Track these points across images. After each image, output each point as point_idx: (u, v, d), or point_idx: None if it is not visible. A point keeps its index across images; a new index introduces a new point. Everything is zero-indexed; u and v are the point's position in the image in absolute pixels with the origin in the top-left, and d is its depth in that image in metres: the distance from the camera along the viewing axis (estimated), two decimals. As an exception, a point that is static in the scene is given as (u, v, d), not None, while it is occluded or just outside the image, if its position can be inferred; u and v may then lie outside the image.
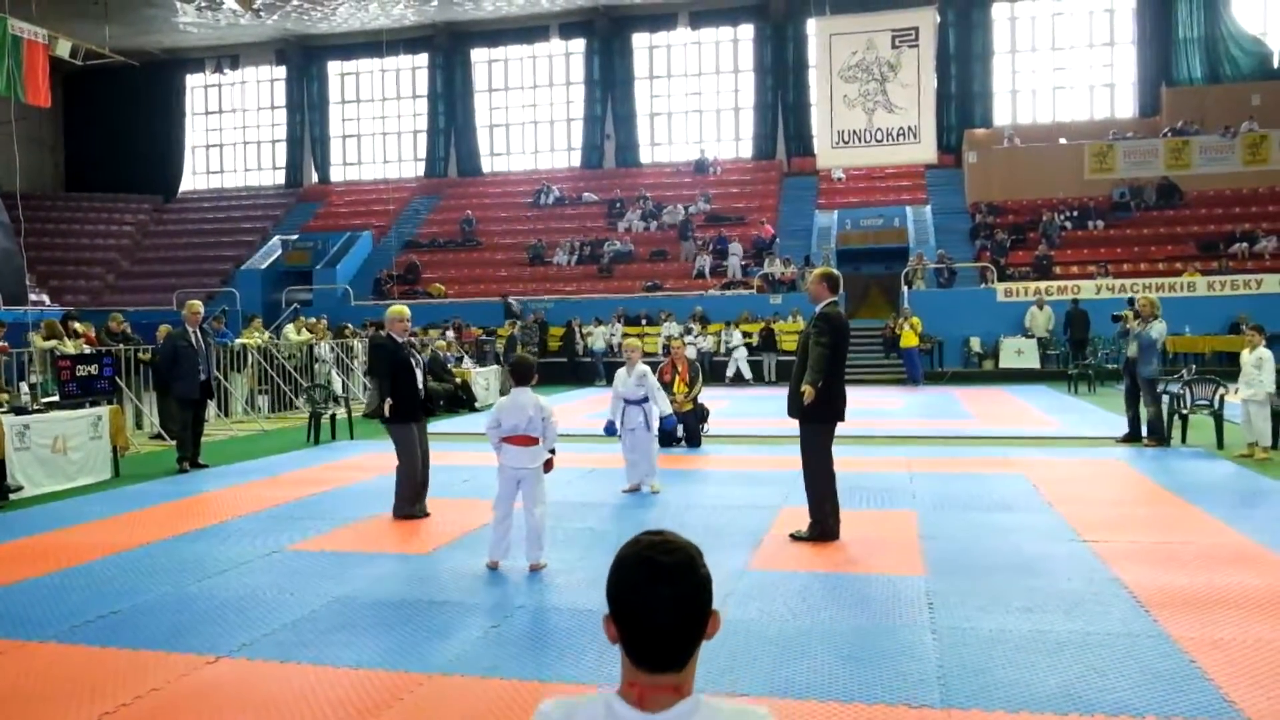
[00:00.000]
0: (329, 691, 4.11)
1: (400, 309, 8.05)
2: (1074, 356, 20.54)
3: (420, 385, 7.71)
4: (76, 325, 14.11)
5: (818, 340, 6.49)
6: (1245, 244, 23.23)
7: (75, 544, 6.94)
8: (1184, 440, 10.94)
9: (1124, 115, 29.23)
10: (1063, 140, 27.91)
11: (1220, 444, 10.41)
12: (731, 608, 5.19)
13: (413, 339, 8.60)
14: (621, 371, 9.03)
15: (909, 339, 20.78)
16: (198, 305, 11.13)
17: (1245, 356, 10.14)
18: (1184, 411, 11.09)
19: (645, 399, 8.82)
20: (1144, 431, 11.08)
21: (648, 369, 9.06)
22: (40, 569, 6.20)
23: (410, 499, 7.66)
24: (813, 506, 6.72)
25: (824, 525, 6.64)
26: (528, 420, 6.04)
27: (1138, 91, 29.18)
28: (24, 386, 10.21)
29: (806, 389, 6.42)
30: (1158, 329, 10.81)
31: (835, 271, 6.95)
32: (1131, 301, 11.30)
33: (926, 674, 4.22)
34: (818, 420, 6.62)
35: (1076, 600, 5.22)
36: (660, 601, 1.65)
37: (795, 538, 6.68)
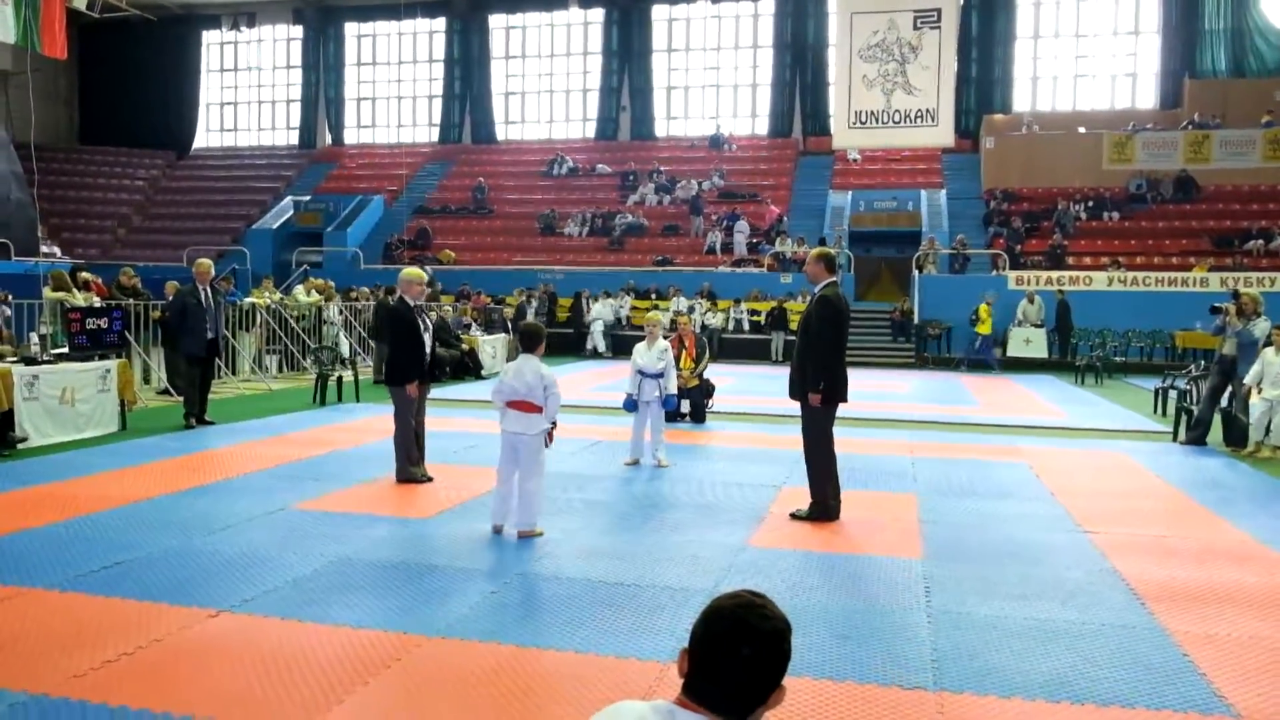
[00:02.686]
0: (328, 649, 4.16)
1: (416, 271, 7.99)
2: (1062, 348, 20.51)
3: (428, 350, 7.68)
4: (86, 275, 14.15)
5: (820, 331, 6.48)
6: (1261, 241, 23.08)
7: (81, 495, 7.00)
8: (1189, 436, 10.91)
9: (1145, 106, 28.96)
10: (1081, 129, 27.68)
11: (1227, 440, 10.38)
12: (729, 583, 5.22)
13: (433, 302, 8.63)
14: (641, 345, 9.02)
15: (984, 326, 20.40)
16: (208, 263, 11.15)
17: (1271, 356, 9.91)
18: (1190, 407, 11.05)
19: (662, 374, 8.88)
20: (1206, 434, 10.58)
21: (668, 344, 9.11)
22: (45, 518, 6.26)
23: (411, 460, 7.70)
24: (813, 487, 6.76)
25: (824, 505, 6.66)
26: (528, 387, 6.02)
27: (1160, 82, 28.90)
28: (34, 337, 10.24)
29: (813, 395, 6.52)
30: (1261, 328, 10.15)
31: (832, 251, 6.94)
32: (1236, 295, 10.52)
33: (920, 656, 4.25)
34: (827, 400, 6.64)
35: (1073, 590, 5.24)
36: (738, 660, 1.74)
37: (795, 516, 6.71)
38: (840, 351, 6.62)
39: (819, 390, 6.51)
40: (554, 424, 6.15)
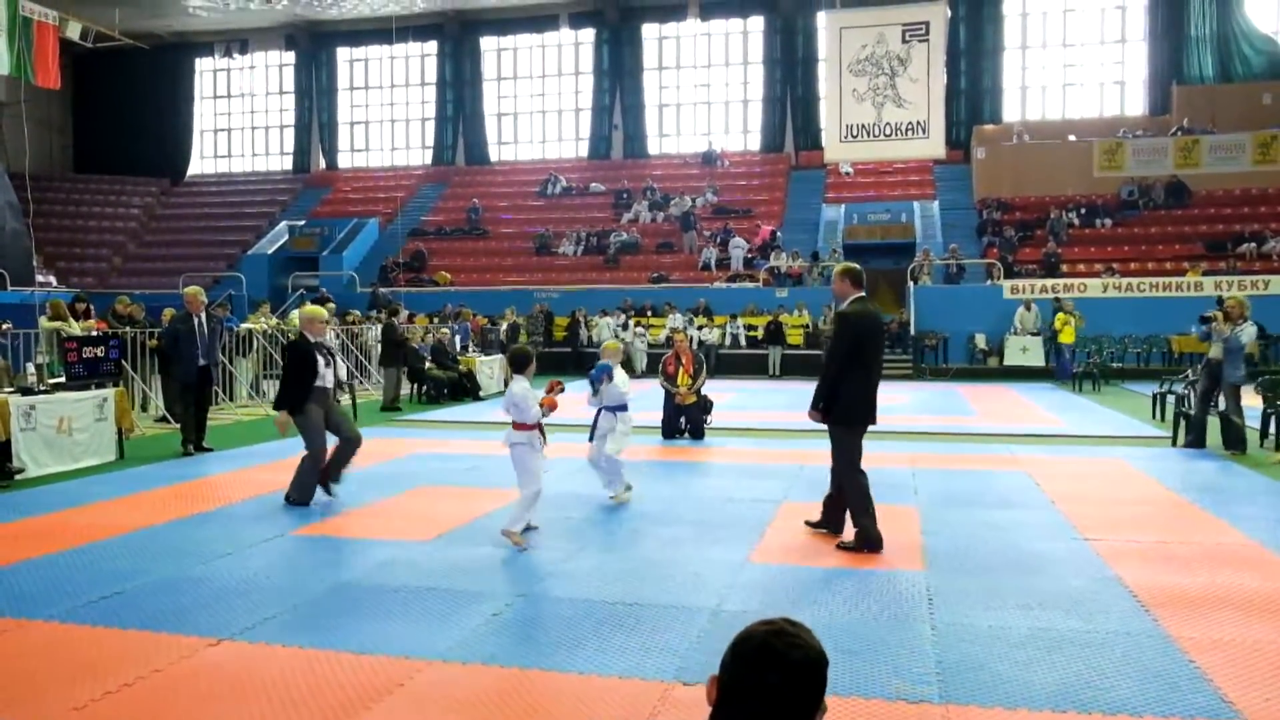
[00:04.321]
0: (331, 676, 4.13)
1: (318, 310, 8.55)
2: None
3: (328, 380, 8.06)
4: (90, 308, 14.15)
5: (830, 347, 6.33)
6: (1253, 244, 23.17)
7: (79, 525, 6.97)
8: (1187, 440, 10.91)
9: (1134, 113, 29.14)
10: (1072, 137, 27.83)
11: (1226, 444, 10.38)
12: (732, 600, 5.21)
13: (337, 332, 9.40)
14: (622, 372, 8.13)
15: (1068, 335, 19.62)
16: (196, 290, 11.13)
17: None
18: (1188, 411, 11.05)
19: (624, 406, 7.89)
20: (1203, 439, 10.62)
21: (624, 374, 8.05)
22: (43, 549, 6.23)
23: (309, 486, 7.82)
24: (853, 517, 6.39)
25: (867, 534, 6.28)
26: (513, 407, 6.35)
27: (1148, 89, 29.10)
28: (30, 367, 10.22)
29: (812, 414, 6.41)
30: (1248, 332, 10.30)
31: (856, 266, 6.60)
32: (1220, 301, 10.72)
33: (925, 669, 4.23)
34: (842, 423, 6.37)
35: (1076, 598, 5.22)
36: (765, 688, 1.66)
37: (842, 548, 6.31)
38: (849, 369, 6.24)
39: (817, 408, 6.34)
40: (537, 425, 6.33)
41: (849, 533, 6.42)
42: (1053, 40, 30.16)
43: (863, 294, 6.40)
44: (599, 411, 7.74)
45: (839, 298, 6.49)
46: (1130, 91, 29.72)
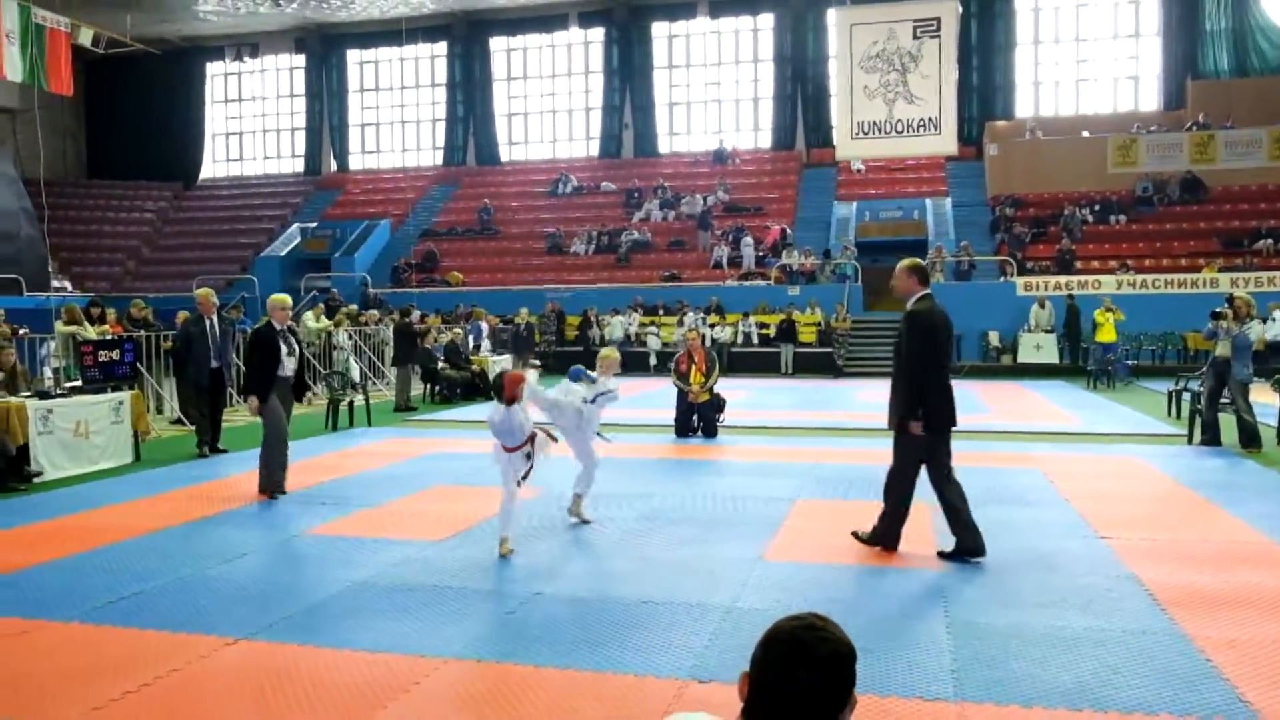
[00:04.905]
0: (346, 674, 4.16)
1: (281, 298, 8.51)
2: (1071, 353, 20.40)
3: (289, 370, 8.26)
4: (105, 312, 14.25)
5: (911, 349, 5.88)
6: (1270, 240, 22.98)
7: (97, 527, 7.03)
8: (1203, 438, 10.84)
9: (1148, 108, 28.93)
10: (1085, 133, 27.67)
11: (1242, 442, 10.32)
12: (746, 598, 5.21)
13: (293, 322, 9.78)
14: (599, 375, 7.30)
15: (1107, 333, 18.62)
16: (207, 292, 11.18)
17: None
18: (1202, 409, 10.98)
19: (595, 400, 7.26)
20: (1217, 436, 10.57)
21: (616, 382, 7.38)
22: (62, 551, 6.28)
23: (274, 469, 8.07)
24: (886, 504, 6.22)
25: (888, 531, 6.16)
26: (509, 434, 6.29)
27: (1163, 84, 28.88)
28: (47, 371, 10.31)
29: (913, 424, 5.89)
30: (1256, 330, 10.28)
31: (922, 261, 6.24)
32: (1230, 299, 10.64)
33: (940, 667, 4.22)
34: (927, 429, 5.93)
35: (1092, 597, 5.21)
36: (794, 684, 1.67)
37: (856, 536, 6.29)
38: (934, 371, 5.91)
39: (918, 417, 5.86)
40: (521, 445, 6.27)
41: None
42: (1066, 35, 29.98)
43: (929, 291, 6.07)
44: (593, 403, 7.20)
45: (903, 295, 6.10)
46: (1145, 86, 29.52)
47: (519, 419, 6.23)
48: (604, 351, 7.62)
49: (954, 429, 6.06)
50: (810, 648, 1.68)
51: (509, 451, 6.28)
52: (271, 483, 8.10)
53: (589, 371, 7.31)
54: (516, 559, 6.06)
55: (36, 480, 8.78)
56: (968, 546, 5.94)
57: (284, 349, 8.20)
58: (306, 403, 11.52)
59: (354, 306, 21.44)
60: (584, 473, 7.16)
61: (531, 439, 6.31)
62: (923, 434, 5.88)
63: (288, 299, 8.63)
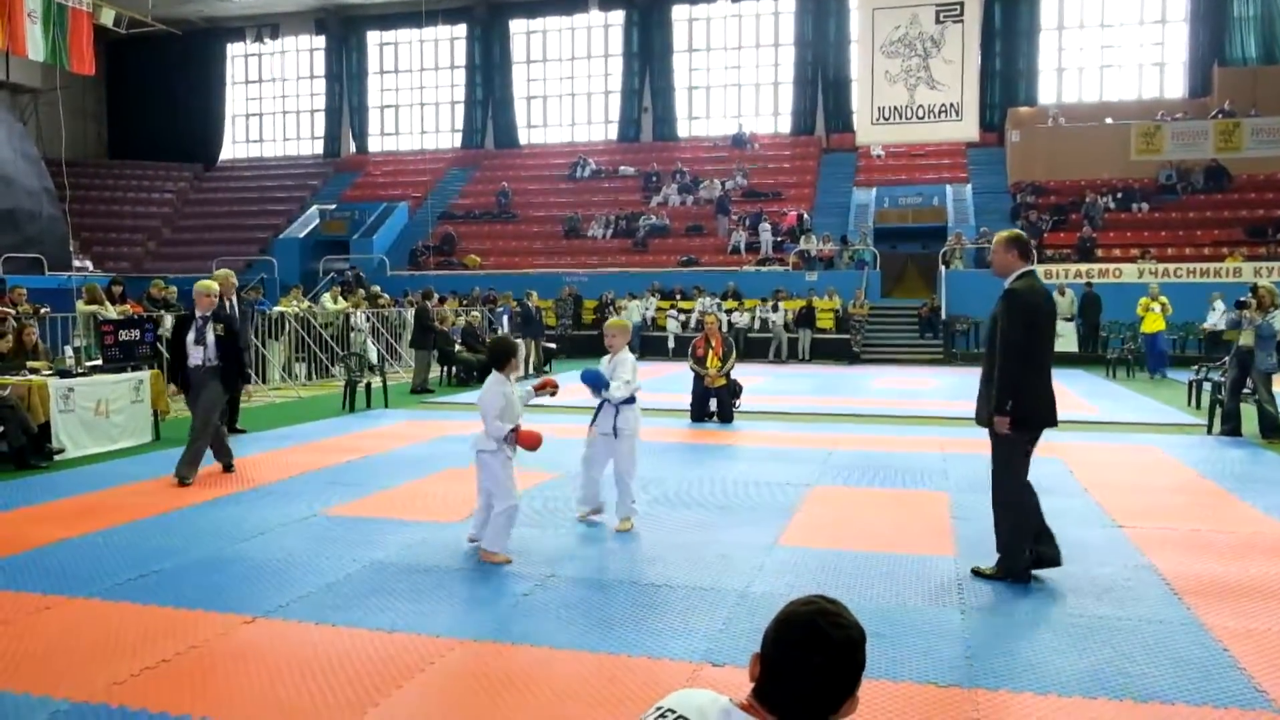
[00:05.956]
0: (362, 653, 4.19)
1: (205, 283, 8.15)
2: (1090, 341, 20.22)
3: (197, 359, 7.84)
4: (125, 292, 14.36)
5: (1008, 335, 5.07)
6: (1295, 229, 22.73)
7: (117, 505, 7.09)
8: (1223, 428, 10.76)
9: (1173, 95, 28.61)
10: (1109, 120, 27.40)
11: (1262, 433, 10.23)
12: (760, 582, 5.21)
13: (231, 301, 9.66)
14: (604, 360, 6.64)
15: (1154, 322, 17.79)
16: (226, 273, 11.22)
17: None
18: (1224, 399, 10.89)
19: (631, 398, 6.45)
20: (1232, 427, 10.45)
21: (632, 358, 6.53)
22: (83, 528, 6.35)
23: (191, 460, 7.83)
24: (1000, 537, 5.32)
25: (1012, 561, 5.24)
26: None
27: (1188, 71, 28.53)
28: (68, 350, 10.39)
29: (999, 420, 5.10)
30: (1279, 320, 10.12)
31: (1023, 234, 5.41)
32: (1255, 288, 10.53)
33: (955, 654, 4.22)
34: (1021, 425, 5.14)
35: (1109, 585, 5.18)
36: (810, 667, 1.71)
37: (977, 573, 5.32)
38: (1033, 359, 5.12)
39: (1006, 412, 5.08)
40: (508, 435, 5.54)
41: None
42: (1090, 21, 29.64)
43: (1031, 267, 5.27)
44: (601, 404, 6.46)
45: (1002, 273, 5.28)
46: (1170, 73, 29.17)
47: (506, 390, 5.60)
48: (611, 321, 6.78)
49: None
50: (826, 632, 1.71)
51: (506, 440, 5.56)
52: (183, 474, 7.77)
53: (603, 371, 6.40)
54: (532, 542, 6.08)
55: (58, 458, 8.87)
56: (1010, 568, 5.26)
57: (191, 337, 7.79)
58: (246, 397, 11.26)
59: (377, 287, 21.46)
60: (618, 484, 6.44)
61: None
62: (1009, 431, 5.10)
63: (212, 284, 8.15)
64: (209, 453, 8.15)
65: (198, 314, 7.93)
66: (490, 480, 5.64)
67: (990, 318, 5.26)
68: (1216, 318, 17.55)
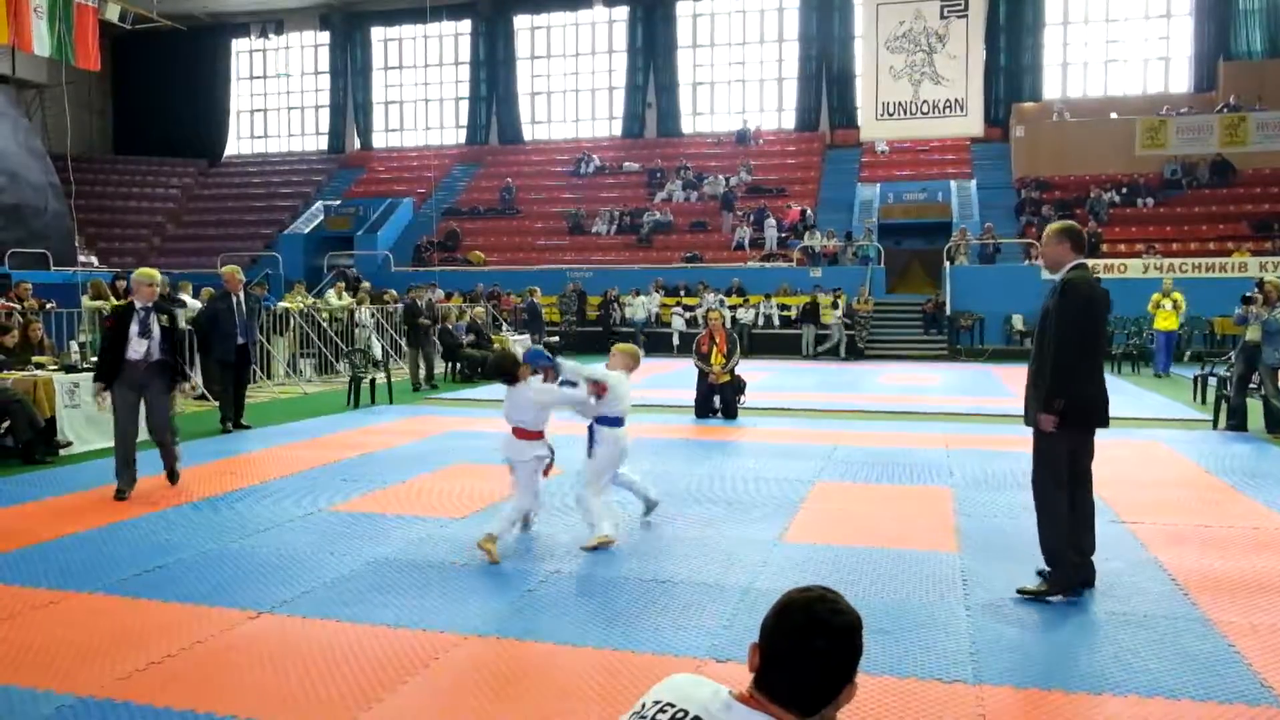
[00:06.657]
0: (367, 649, 4.20)
1: (146, 272, 7.60)
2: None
3: (138, 353, 7.23)
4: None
5: (1062, 329, 4.78)
6: (1301, 224, 22.66)
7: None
8: (1228, 424, 10.73)
9: (1178, 90, 28.51)
10: (1114, 115, 27.32)
11: (1268, 428, 10.20)
12: (764, 578, 5.21)
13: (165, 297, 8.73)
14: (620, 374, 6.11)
15: (1167, 320, 17.25)
16: (234, 269, 11.25)
17: None
18: (1229, 394, 10.87)
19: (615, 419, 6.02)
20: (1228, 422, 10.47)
21: (619, 378, 6.05)
22: (88, 523, 6.37)
23: (119, 467, 7.24)
24: (1045, 548, 5.04)
25: (1063, 571, 4.93)
26: (520, 412, 5.75)
27: (1194, 65, 28.44)
28: (73, 345, 10.41)
29: (1044, 417, 4.90)
30: None
31: (1076, 225, 5.12)
32: (1261, 283, 10.57)
33: (959, 650, 4.21)
34: (1073, 424, 4.92)
35: (1114, 581, 5.17)
36: (810, 651, 1.73)
37: (1023, 593, 4.93)
38: (1089, 356, 4.87)
39: (1055, 409, 4.83)
40: (551, 454, 5.73)
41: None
42: (1095, 15, 29.54)
43: (1084, 259, 4.98)
44: (590, 425, 6.06)
45: (1053, 266, 5.02)
46: (1175, 68, 29.07)
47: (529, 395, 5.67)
48: (621, 345, 6.48)
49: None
50: (826, 619, 1.73)
51: (533, 438, 5.69)
52: (120, 481, 7.21)
53: (548, 354, 6.19)
54: (536, 538, 6.08)
55: (64, 453, 8.90)
56: (1061, 581, 4.89)
57: (134, 329, 7.21)
58: (184, 395, 10.55)
59: (367, 284, 21.47)
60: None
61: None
62: (1055, 429, 4.89)
63: (154, 273, 7.63)
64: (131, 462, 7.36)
65: (138, 304, 7.32)
66: (523, 481, 5.74)
67: (1041, 312, 5.00)
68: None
